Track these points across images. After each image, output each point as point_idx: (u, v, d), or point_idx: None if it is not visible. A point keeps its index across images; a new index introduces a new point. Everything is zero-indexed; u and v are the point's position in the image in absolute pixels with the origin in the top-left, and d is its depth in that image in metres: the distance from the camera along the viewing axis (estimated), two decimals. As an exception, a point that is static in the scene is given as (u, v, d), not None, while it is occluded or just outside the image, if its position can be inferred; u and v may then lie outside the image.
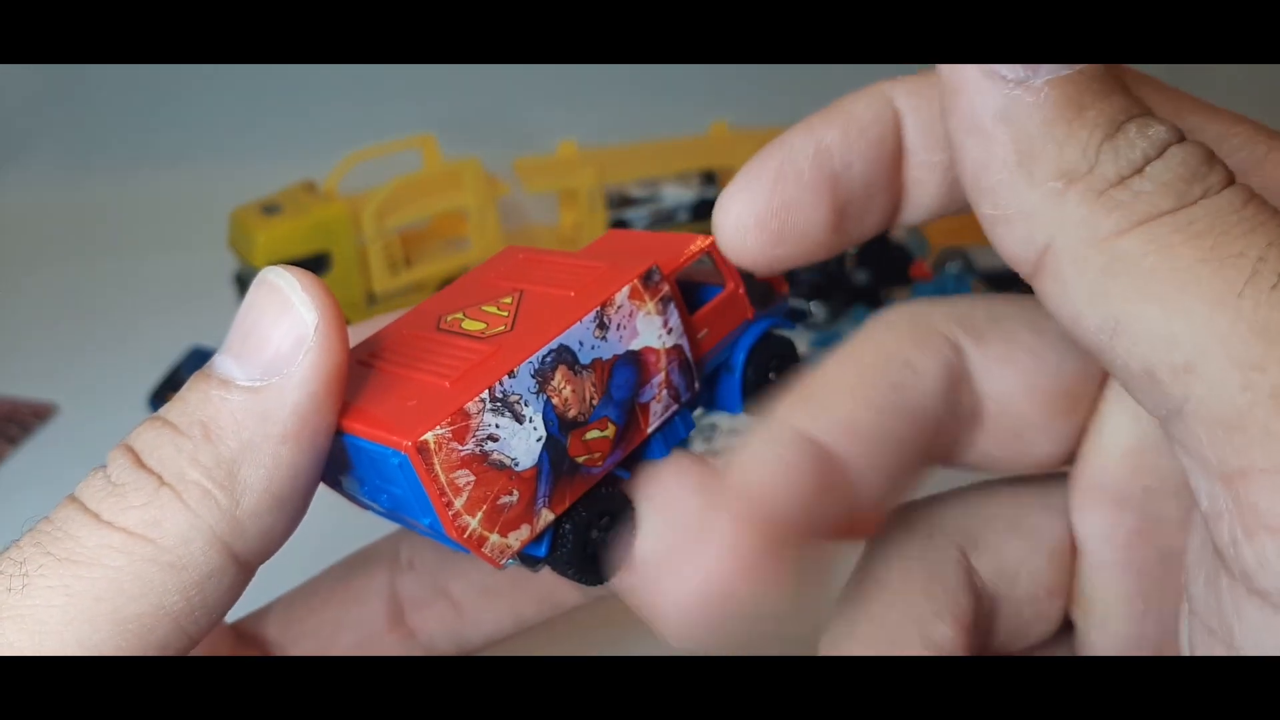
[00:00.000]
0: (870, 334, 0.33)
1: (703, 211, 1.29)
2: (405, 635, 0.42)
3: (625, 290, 0.33)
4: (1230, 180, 0.25)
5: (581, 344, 0.32)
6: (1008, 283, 1.14)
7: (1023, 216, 0.26)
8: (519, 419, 0.31)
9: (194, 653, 0.31)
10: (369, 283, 1.13)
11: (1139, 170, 0.25)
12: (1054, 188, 0.26)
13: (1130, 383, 0.26)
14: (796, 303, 1.09)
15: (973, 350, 0.33)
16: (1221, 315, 0.23)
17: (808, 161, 0.34)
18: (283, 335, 0.31)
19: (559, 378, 0.32)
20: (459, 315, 0.34)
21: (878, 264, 1.11)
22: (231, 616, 0.39)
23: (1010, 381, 0.33)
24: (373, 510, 0.34)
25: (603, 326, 0.33)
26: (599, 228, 1.24)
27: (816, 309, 1.08)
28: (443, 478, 0.29)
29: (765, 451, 0.30)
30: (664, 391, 0.34)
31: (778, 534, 0.29)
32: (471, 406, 0.30)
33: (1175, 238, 0.24)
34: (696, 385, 0.35)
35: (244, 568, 0.31)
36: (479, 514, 0.30)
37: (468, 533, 0.30)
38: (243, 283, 1.12)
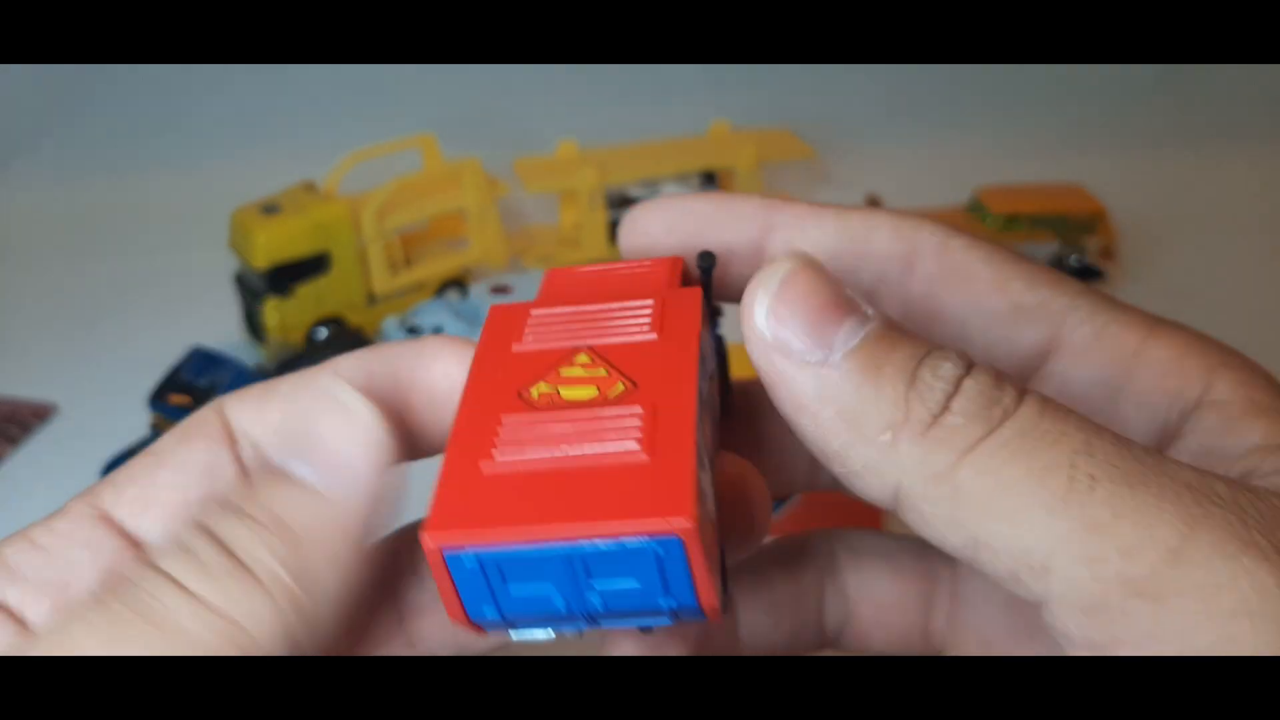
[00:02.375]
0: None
1: (703, 212, 1.29)
2: (405, 644, 0.42)
3: (700, 323, 0.33)
4: (1022, 394, 0.29)
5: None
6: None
7: (868, 470, 0.30)
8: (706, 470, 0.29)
9: None
10: (369, 283, 1.13)
11: (945, 408, 0.29)
12: (884, 440, 0.29)
13: (999, 582, 0.29)
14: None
15: None
16: (1058, 521, 0.27)
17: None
18: (353, 447, 0.33)
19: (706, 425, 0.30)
20: (541, 388, 0.30)
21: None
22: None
23: None
24: (537, 633, 0.30)
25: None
26: (599, 228, 1.24)
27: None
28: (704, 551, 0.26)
29: None
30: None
31: None
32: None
33: (996, 461, 0.28)
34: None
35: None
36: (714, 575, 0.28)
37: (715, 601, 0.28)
38: (243, 283, 1.12)
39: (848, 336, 0.30)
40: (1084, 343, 0.36)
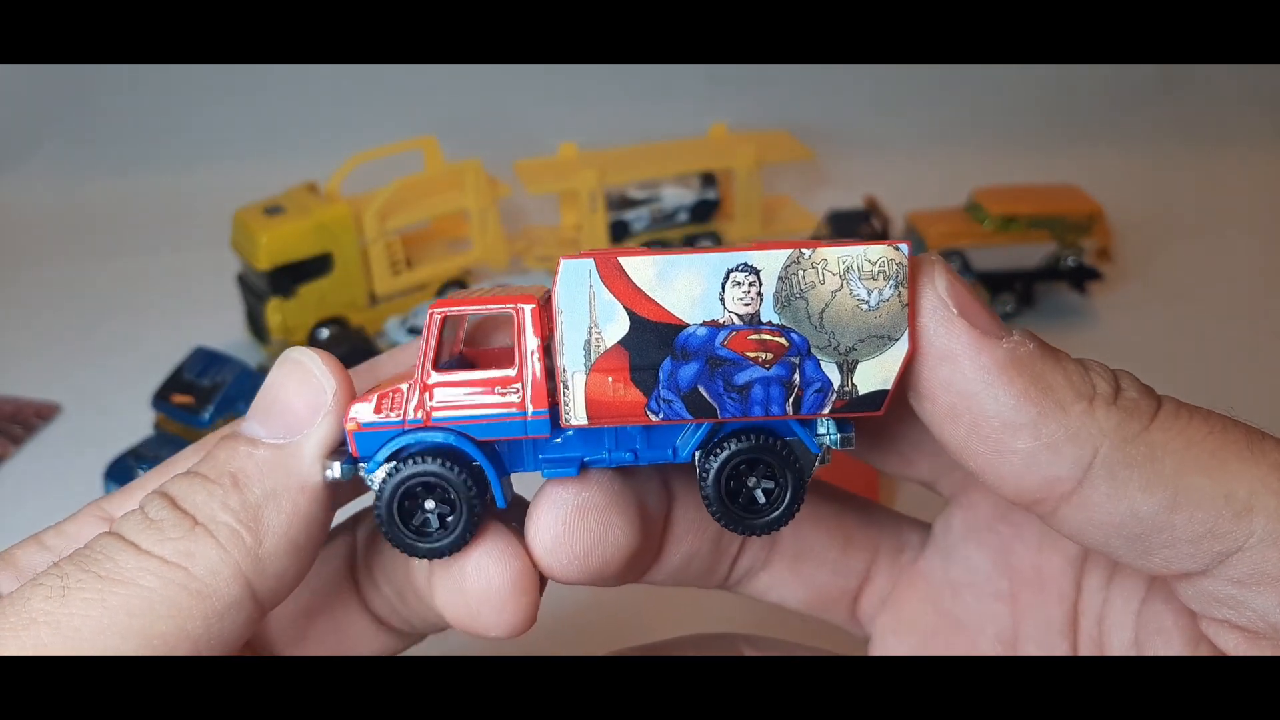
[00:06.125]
0: None
1: (702, 212, 1.30)
2: (359, 609, 0.43)
3: None
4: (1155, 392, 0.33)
5: None
6: (1005, 283, 1.15)
7: (1068, 439, 0.32)
8: None
9: None
10: (370, 283, 1.13)
11: (1118, 387, 0.33)
12: (1083, 409, 0.32)
13: (1182, 546, 0.31)
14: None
15: None
16: (1253, 465, 0.30)
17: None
18: (303, 402, 0.36)
19: None
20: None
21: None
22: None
23: None
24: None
25: None
26: (599, 228, 1.25)
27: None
28: None
29: None
30: None
31: None
32: None
33: (1179, 424, 0.32)
34: None
35: (259, 606, 0.34)
36: None
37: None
38: (245, 283, 1.13)
39: (1013, 329, 0.33)
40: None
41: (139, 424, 0.94)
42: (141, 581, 0.32)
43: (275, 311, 1.08)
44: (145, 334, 1.17)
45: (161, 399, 0.91)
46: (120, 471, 0.88)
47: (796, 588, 0.44)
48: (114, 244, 1.38)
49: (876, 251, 0.32)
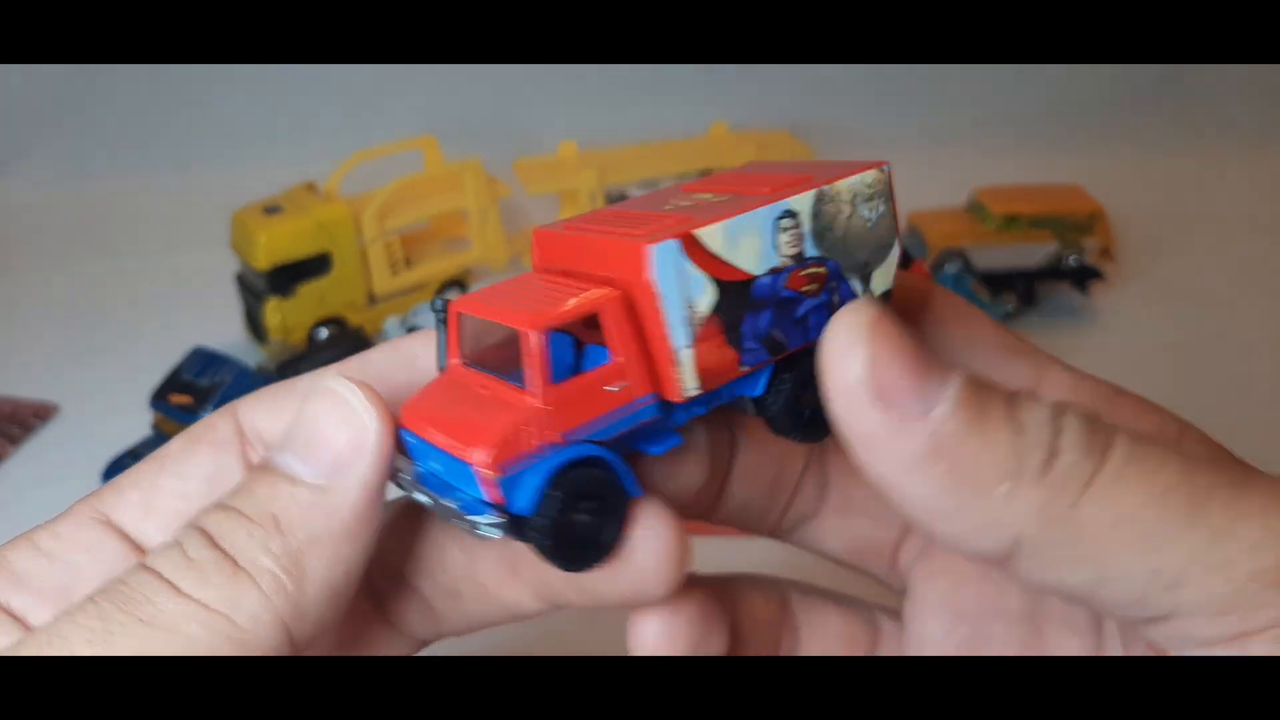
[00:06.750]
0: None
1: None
2: (385, 626, 0.43)
3: None
4: (1114, 426, 0.30)
5: None
6: (1007, 282, 1.14)
7: (986, 526, 0.30)
8: None
9: None
10: (370, 283, 1.13)
11: (1055, 450, 0.30)
12: (1004, 492, 0.29)
13: (1112, 610, 0.31)
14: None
15: None
16: (1187, 536, 0.29)
17: None
18: (345, 439, 0.34)
19: None
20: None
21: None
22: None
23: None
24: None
25: None
26: (599, 228, 1.25)
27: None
28: None
29: None
30: None
31: None
32: None
33: (1115, 491, 0.29)
34: None
35: (294, 649, 0.33)
36: None
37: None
38: (244, 283, 1.12)
39: (945, 388, 0.30)
40: (1066, 384, 0.40)
41: (137, 424, 0.94)
42: (185, 629, 0.31)
43: (274, 311, 1.07)
44: (143, 334, 1.17)
45: (160, 399, 0.91)
46: (118, 472, 0.87)
47: (843, 536, 0.45)
48: (112, 243, 1.37)
49: (870, 176, 0.37)
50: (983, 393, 0.30)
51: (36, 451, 0.99)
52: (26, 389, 1.07)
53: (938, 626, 0.43)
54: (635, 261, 0.33)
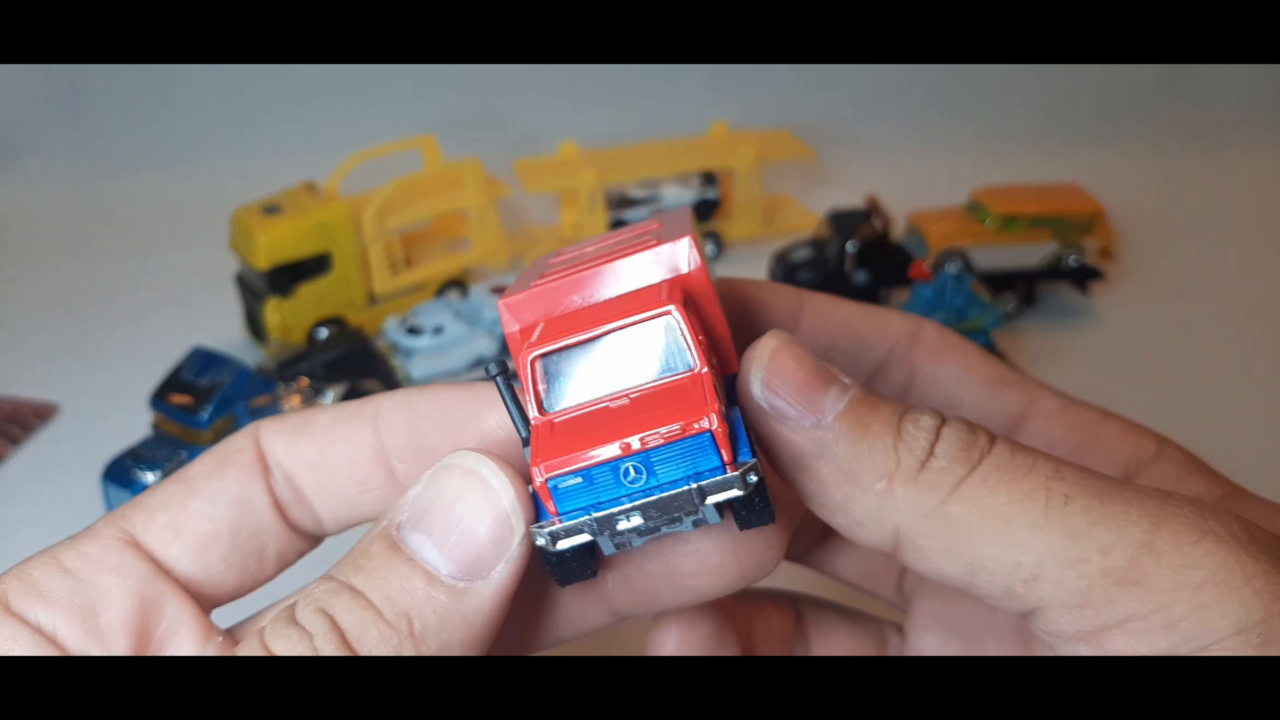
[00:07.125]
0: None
1: (702, 211, 1.29)
2: None
3: None
4: (993, 437, 0.34)
5: None
6: (1006, 282, 1.14)
7: (869, 518, 0.34)
8: None
9: None
10: (370, 283, 1.13)
11: (930, 454, 0.33)
12: (881, 489, 0.33)
13: (994, 602, 0.33)
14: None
15: None
16: (1042, 535, 0.32)
17: None
18: (487, 533, 0.32)
19: None
20: None
21: (877, 265, 1.11)
22: (226, 621, 0.39)
23: None
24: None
25: None
26: (599, 228, 1.25)
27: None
28: None
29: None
30: None
31: None
32: None
33: (981, 493, 0.33)
34: None
35: None
36: None
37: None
38: (244, 283, 1.12)
39: (834, 402, 0.34)
40: (1054, 411, 0.44)
41: (137, 424, 0.94)
42: None
43: (274, 311, 1.07)
44: (143, 334, 1.17)
45: (159, 399, 0.91)
46: (118, 472, 0.88)
47: (853, 563, 0.49)
48: (111, 243, 1.37)
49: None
50: (870, 404, 0.34)
51: (36, 451, 0.99)
52: (26, 389, 1.07)
53: (933, 641, 0.47)
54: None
